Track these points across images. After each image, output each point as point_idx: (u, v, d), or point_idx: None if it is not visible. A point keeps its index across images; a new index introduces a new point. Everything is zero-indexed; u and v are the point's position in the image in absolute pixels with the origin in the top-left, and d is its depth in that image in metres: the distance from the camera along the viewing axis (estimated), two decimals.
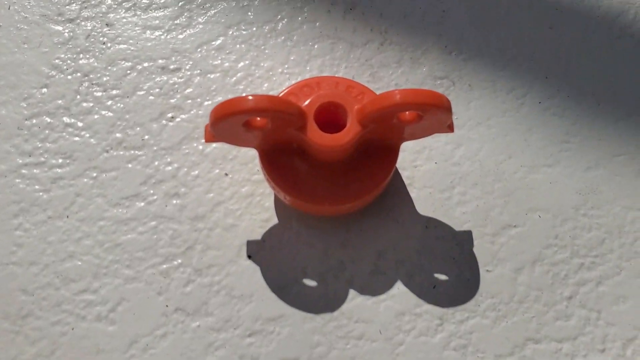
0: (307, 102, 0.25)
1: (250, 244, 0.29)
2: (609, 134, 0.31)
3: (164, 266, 0.28)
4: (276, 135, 0.25)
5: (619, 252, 0.29)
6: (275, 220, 0.29)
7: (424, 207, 0.29)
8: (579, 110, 0.31)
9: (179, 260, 0.28)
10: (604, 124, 0.31)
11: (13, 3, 0.33)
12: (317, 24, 0.33)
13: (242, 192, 0.30)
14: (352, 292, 0.28)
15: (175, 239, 0.29)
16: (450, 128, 0.26)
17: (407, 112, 0.24)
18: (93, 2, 0.33)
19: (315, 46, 0.32)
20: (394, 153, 0.27)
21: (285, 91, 0.27)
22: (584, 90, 0.32)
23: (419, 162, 0.30)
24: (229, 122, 0.23)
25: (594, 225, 0.29)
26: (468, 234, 0.29)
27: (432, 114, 0.24)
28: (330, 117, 0.26)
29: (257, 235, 0.29)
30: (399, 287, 0.28)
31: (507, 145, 0.31)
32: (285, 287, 0.28)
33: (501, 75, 0.32)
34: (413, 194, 0.30)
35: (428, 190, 0.30)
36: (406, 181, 0.30)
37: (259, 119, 0.24)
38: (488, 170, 0.30)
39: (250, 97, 0.23)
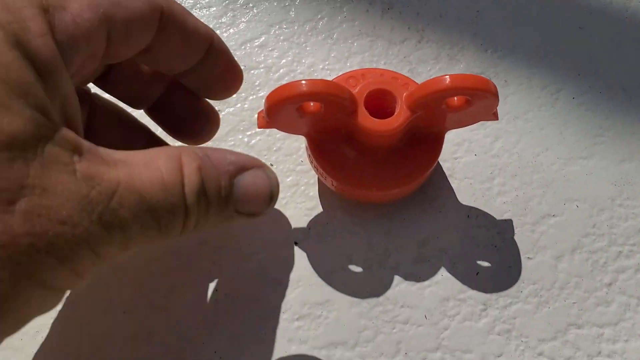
0: (355, 91, 0.26)
1: (296, 231, 0.29)
2: None
3: (214, 254, 0.29)
4: (326, 121, 0.26)
5: None
6: (319, 209, 0.30)
7: (465, 197, 0.30)
8: (611, 105, 0.32)
9: (227, 247, 0.29)
10: (636, 119, 0.32)
11: None
12: (356, 22, 0.34)
13: (287, 182, 0.30)
14: (396, 279, 0.29)
15: (222, 227, 0.29)
16: (495, 116, 0.26)
17: (455, 98, 0.25)
18: None
19: (355, 44, 0.33)
20: (439, 141, 0.28)
21: None
22: (615, 87, 0.33)
23: (459, 154, 0.31)
24: (284, 107, 0.24)
25: (630, 215, 0.30)
26: (508, 223, 0.30)
27: (480, 99, 0.24)
28: (379, 104, 0.26)
29: (303, 223, 0.30)
30: (443, 274, 0.29)
31: (543, 138, 0.32)
32: (332, 274, 0.29)
33: (535, 72, 0.33)
34: (454, 184, 0.30)
35: (469, 181, 0.30)
36: (447, 172, 0.31)
37: (312, 104, 0.25)
38: (526, 162, 0.31)
39: (304, 82, 0.24)
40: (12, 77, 0.16)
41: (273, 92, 0.24)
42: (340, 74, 0.29)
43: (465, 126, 0.28)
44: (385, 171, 0.28)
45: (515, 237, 0.30)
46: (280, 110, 0.24)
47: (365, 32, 0.34)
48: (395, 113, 0.26)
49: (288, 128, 0.27)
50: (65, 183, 0.16)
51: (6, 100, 0.15)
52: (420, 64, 0.33)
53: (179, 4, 0.22)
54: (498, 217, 0.30)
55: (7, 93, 0.15)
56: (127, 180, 0.17)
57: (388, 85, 0.26)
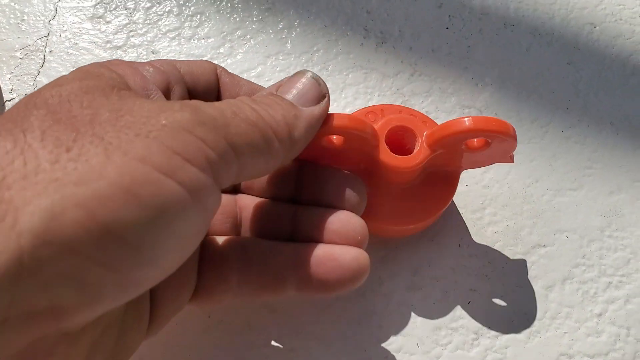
0: (377, 126, 0.26)
1: None
2: (628, 161, 0.33)
3: None
4: (346, 155, 0.26)
5: None
6: None
7: (456, 226, 0.31)
8: (599, 138, 0.33)
9: None
10: (624, 152, 0.33)
11: (64, 30, 0.35)
12: (351, 55, 0.35)
13: None
14: (389, 306, 0.29)
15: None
16: (511, 158, 0.26)
17: (475, 140, 0.25)
18: (140, 32, 0.35)
19: (350, 75, 0.34)
20: (454, 180, 0.28)
21: None
22: (603, 120, 0.34)
23: None
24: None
25: (619, 246, 0.31)
26: (499, 253, 0.30)
27: (499, 141, 0.25)
28: (399, 141, 0.27)
29: None
30: (435, 303, 0.29)
31: (533, 170, 0.32)
32: (325, 301, 0.29)
33: (525, 105, 0.34)
34: (446, 213, 0.31)
35: (460, 211, 0.31)
36: None
37: (335, 137, 0.25)
38: (517, 192, 0.32)
39: (331, 115, 0.24)
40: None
41: None
42: (334, 105, 0.29)
43: (481, 167, 0.28)
44: (401, 207, 0.28)
45: (506, 267, 0.30)
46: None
47: (359, 64, 0.35)
48: (415, 151, 0.26)
49: (309, 156, 0.26)
50: (142, 100, 0.19)
51: (85, 76, 0.20)
52: (413, 96, 0.34)
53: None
54: (489, 246, 0.30)
55: (87, 75, 0.20)
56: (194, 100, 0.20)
57: (409, 123, 0.27)
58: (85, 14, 0.35)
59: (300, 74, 0.24)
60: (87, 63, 0.33)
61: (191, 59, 0.26)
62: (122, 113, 0.17)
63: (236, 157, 0.19)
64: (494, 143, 0.25)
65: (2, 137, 0.16)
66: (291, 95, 0.23)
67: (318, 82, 0.23)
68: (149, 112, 0.18)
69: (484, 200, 0.31)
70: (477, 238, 0.30)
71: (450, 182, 0.28)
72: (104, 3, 0.35)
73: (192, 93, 0.24)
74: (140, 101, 0.18)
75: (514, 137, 0.24)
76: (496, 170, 0.32)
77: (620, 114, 0.34)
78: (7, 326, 0.15)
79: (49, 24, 0.35)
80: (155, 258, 0.17)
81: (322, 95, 0.23)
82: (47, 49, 0.34)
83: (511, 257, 0.30)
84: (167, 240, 0.17)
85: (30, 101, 0.18)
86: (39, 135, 0.16)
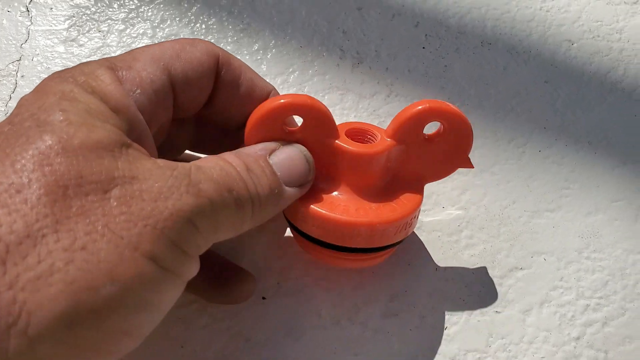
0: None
1: (265, 286, 0.29)
2: (606, 180, 0.32)
3: (180, 311, 0.29)
4: (308, 146, 0.26)
5: (622, 294, 0.30)
6: (289, 264, 0.30)
7: (433, 250, 0.30)
8: (576, 158, 0.33)
9: (195, 303, 0.29)
10: (601, 171, 0.33)
11: (36, 54, 0.34)
12: (327, 76, 0.35)
13: (254, 234, 0.30)
14: (366, 334, 0.29)
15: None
16: (470, 162, 0.27)
17: (432, 131, 0.26)
18: (113, 55, 0.34)
19: (326, 97, 0.34)
20: (419, 191, 0.28)
21: None
22: (580, 140, 0.33)
23: (427, 207, 0.31)
24: (269, 122, 0.24)
25: (597, 268, 0.30)
26: (477, 276, 0.30)
27: (454, 124, 0.26)
28: (359, 141, 0.27)
29: (272, 277, 0.29)
30: (412, 329, 0.29)
31: (510, 191, 0.32)
32: (301, 329, 0.28)
33: (501, 125, 0.34)
34: (422, 237, 0.31)
35: (437, 234, 0.31)
36: (416, 226, 0.31)
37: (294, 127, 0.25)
38: (493, 215, 0.31)
39: (286, 95, 0.25)
40: (93, 108, 0.20)
41: (257, 107, 0.25)
42: None
43: (444, 177, 0.28)
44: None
45: (483, 291, 0.30)
46: (265, 126, 0.24)
47: (336, 85, 0.34)
48: (377, 141, 0.26)
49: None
50: (150, 169, 0.19)
51: (91, 121, 0.19)
52: (389, 117, 0.33)
53: (239, 59, 0.26)
54: (466, 270, 0.30)
55: (92, 118, 0.19)
56: (196, 166, 0.21)
57: (367, 126, 0.27)
58: (58, 37, 0.35)
59: (294, 148, 0.25)
60: None
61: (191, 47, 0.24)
62: (134, 195, 0.18)
63: (215, 234, 0.21)
64: (450, 132, 0.26)
65: (9, 216, 0.16)
66: (281, 169, 0.24)
67: (309, 166, 0.25)
68: (158, 193, 0.19)
69: (461, 222, 0.31)
70: (453, 262, 0.30)
71: (415, 194, 0.27)
72: (77, 26, 0.35)
73: (181, 97, 0.24)
74: (149, 172, 0.19)
75: (465, 120, 0.26)
76: (473, 192, 0.32)
77: (598, 133, 0.34)
78: None
79: (21, 47, 0.34)
80: (139, 336, 0.19)
81: (307, 180, 0.25)
82: (19, 74, 0.34)
83: (488, 281, 0.30)
84: (154, 319, 0.20)
85: (33, 148, 0.18)
86: (53, 224, 0.17)
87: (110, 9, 0.36)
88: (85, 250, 0.17)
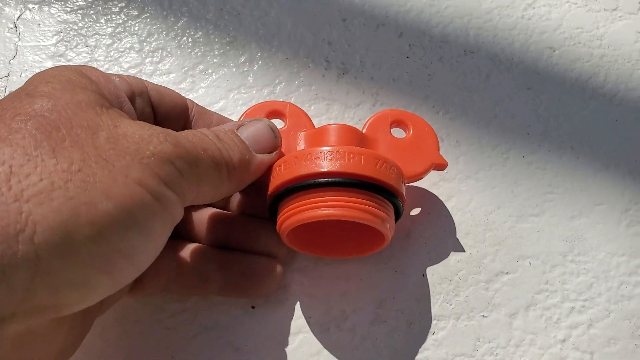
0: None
1: None
2: (589, 184, 0.33)
3: (170, 320, 0.29)
4: (289, 143, 0.29)
5: (606, 296, 0.30)
6: None
7: (420, 256, 0.31)
8: (560, 163, 0.33)
9: (184, 312, 0.29)
10: (584, 176, 0.33)
11: (25, 70, 0.34)
12: (313, 87, 0.35)
13: None
14: (354, 341, 0.29)
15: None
16: (442, 158, 0.29)
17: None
18: (101, 69, 0.35)
19: (312, 107, 0.34)
20: None
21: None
22: (563, 145, 0.34)
23: (413, 213, 0.32)
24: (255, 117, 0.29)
25: (582, 271, 0.31)
26: (463, 281, 0.30)
27: (414, 124, 0.30)
28: None
29: None
30: (400, 335, 0.29)
31: (495, 197, 0.32)
32: (290, 337, 0.29)
33: (485, 132, 0.34)
34: (409, 243, 0.31)
35: (423, 241, 0.31)
36: (402, 232, 0.31)
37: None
38: (479, 220, 0.32)
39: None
40: (74, 80, 0.23)
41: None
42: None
43: (421, 174, 0.29)
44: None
45: (470, 295, 0.30)
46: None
47: (321, 96, 0.35)
48: None
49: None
50: (131, 123, 0.22)
51: (72, 88, 0.22)
52: None
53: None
54: (452, 275, 0.30)
55: (73, 86, 0.22)
56: (171, 131, 0.23)
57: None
58: (46, 53, 0.35)
59: (260, 121, 0.27)
60: None
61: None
62: (118, 136, 0.21)
63: (197, 186, 0.23)
64: (414, 132, 0.30)
65: (11, 147, 0.18)
66: (249, 139, 0.26)
67: (274, 134, 0.27)
68: (140, 138, 0.21)
69: (447, 228, 0.31)
70: (440, 267, 0.31)
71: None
72: (65, 41, 0.35)
73: (157, 108, 0.27)
74: (130, 125, 0.22)
75: (420, 118, 0.30)
76: (458, 198, 0.32)
77: (581, 138, 0.34)
78: (15, 318, 0.17)
79: (9, 63, 0.35)
80: (138, 262, 0.21)
81: (275, 146, 0.27)
82: (7, 90, 0.34)
83: (475, 286, 0.30)
84: (149, 248, 0.21)
85: (26, 109, 0.20)
86: (50, 151, 0.19)
87: (98, 24, 0.36)
88: (81, 172, 0.19)
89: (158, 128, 0.22)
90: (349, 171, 0.25)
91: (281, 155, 0.27)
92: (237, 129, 0.26)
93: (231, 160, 0.24)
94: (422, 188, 0.32)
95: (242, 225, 0.29)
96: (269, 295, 0.29)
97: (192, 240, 0.29)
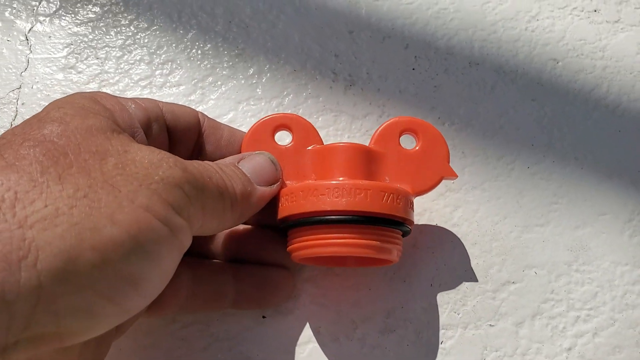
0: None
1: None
2: (593, 195, 0.34)
3: (182, 331, 0.29)
4: (297, 159, 0.29)
5: (611, 305, 0.31)
6: None
7: (427, 266, 0.31)
8: (564, 174, 0.34)
9: (196, 324, 0.29)
10: (588, 186, 0.34)
11: (36, 82, 0.35)
12: (320, 98, 0.36)
13: None
14: (363, 351, 0.29)
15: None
16: (452, 172, 0.29)
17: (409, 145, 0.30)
18: (111, 81, 0.35)
19: (320, 118, 0.35)
20: None
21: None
22: (567, 156, 0.34)
23: (420, 224, 0.32)
24: (260, 136, 0.29)
25: (587, 280, 0.31)
26: (470, 291, 0.31)
27: (425, 133, 0.30)
28: None
29: None
30: (409, 344, 0.30)
31: (501, 207, 0.33)
32: (301, 347, 0.29)
33: (491, 143, 0.35)
34: (417, 254, 0.31)
35: (431, 251, 0.32)
36: (410, 242, 0.32)
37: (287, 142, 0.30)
38: (485, 230, 0.32)
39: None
40: (88, 106, 0.23)
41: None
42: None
43: (431, 188, 0.29)
44: None
45: (477, 305, 0.30)
46: (257, 142, 0.29)
47: (329, 107, 0.35)
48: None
49: None
50: (141, 148, 0.22)
51: (84, 113, 0.22)
52: None
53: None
54: (460, 285, 0.31)
55: (85, 112, 0.22)
56: (180, 158, 0.23)
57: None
58: (56, 65, 0.36)
59: (260, 154, 0.28)
60: None
61: (173, 102, 0.28)
62: (127, 162, 0.21)
63: (203, 214, 0.23)
64: (424, 142, 0.29)
65: (17, 173, 0.18)
66: (249, 171, 0.26)
67: (275, 166, 0.28)
68: (149, 164, 0.21)
69: (454, 238, 0.32)
70: (447, 277, 0.31)
71: None
72: (75, 53, 0.36)
73: (172, 131, 0.27)
74: (140, 149, 0.22)
75: (432, 127, 0.30)
76: (465, 208, 0.33)
77: (584, 149, 0.35)
78: (17, 346, 0.17)
79: (20, 75, 0.35)
80: (145, 290, 0.20)
81: (275, 179, 0.27)
82: (19, 102, 0.34)
83: (482, 295, 0.31)
84: (157, 275, 0.21)
85: (35, 134, 0.20)
86: (56, 177, 0.19)
87: (108, 36, 0.37)
88: (87, 198, 0.19)
89: (167, 153, 0.22)
90: (356, 209, 0.26)
91: (283, 185, 0.28)
92: (238, 163, 0.27)
93: (234, 191, 0.25)
94: (429, 198, 0.33)
95: (254, 237, 0.30)
96: (280, 304, 0.30)
97: (206, 255, 0.29)
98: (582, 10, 0.39)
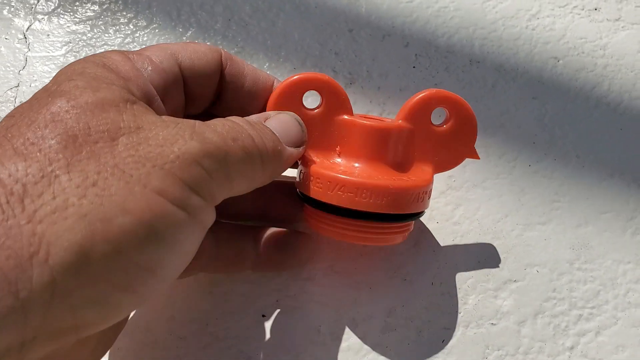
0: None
1: (264, 303, 0.30)
2: (594, 193, 0.33)
3: (181, 329, 0.29)
4: (325, 128, 0.28)
5: (614, 303, 0.31)
6: (287, 281, 0.30)
7: (429, 264, 0.31)
8: (565, 172, 0.34)
9: (195, 322, 0.29)
10: (590, 184, 0.34)
11: (34, 80, 0.35)
12: None
13: None
14: (364, 349, 0.29)
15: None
16: (476, 154, 0.29)
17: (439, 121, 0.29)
18: None
19: None
20: (429, 176, 0.29)
21: None
22: (568, 154, 0.34)
23: (422, 222, 0.32)
24: (287, 97, 0.27)
25: (589, 278, 0.31)
26: (472, 289, 0.31)
27: (458, 111, 0.28)
28: None
29: (271, 295, 0.30)
30: (410, 343, 0.29)
31: (502, 205, 0.33)
32: (301, 346, 0.29)
33: (492, 141, 0.35)
34: (418, 252, 0.31)
35: (432, 249, 0.31)
36: (411, 241, 0.31)
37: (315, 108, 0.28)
38: (487, 228, 0.32)
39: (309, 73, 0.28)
40: (100, 75, 0.22)
41: (276, 87, 0.28)
42: None
43: (452, 167, 0.29)
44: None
45: (479, 304, 0.30)
46: (284, 103, 0.27)
47: None
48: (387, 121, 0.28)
49: None
50: (155, 121, 0.21)
51: (96, 84, 0.21)
52: None
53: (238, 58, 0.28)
54: (461, 283, 0.31)
55: (97, 82, 0.21)
56: (200, 122, 0.22)
57: (377, 117, 0.30)
58: (55, 63, 0.35)
59: (287, 114, 0.26)
60: None
61: (194, 44, 0.27)
62: (140, 141, 0.20)
63: (229, 182, 0.22)
64: (455, 120, 0.28)
65: (25, 162, 0.18)
66: (277, 130, 0.25)
67: (301, 128, 0.26)
68: (163, 140, 0.20)
69: (455, 237, 0.32)
70: (449, 276, 0.31)
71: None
72: (74, 52, 0.36)
73: (191, 86, 0.26)
74: (154, 124, 0.21)
75: (467, 107, 0.28)
76: (466, 206, 0.32)
77: (586, 147, 0.35)
78: (35, 342, 0.17)
79: (19, 74, 0.35)
80: (163, 276, 0.20)
81: (301, 141, 0.26)
82: (17, 100, 0.34)
83: (483, 294, 0.30)
84: (174, 259, 0.20)
85: (44, 114, 0.20)
86: (65, 166, 0.18)
87: (106, 34, 0.36)
88: (96, 186, 0.18)
89: (184, 124, 0.21)
90: (381, 211, 0.26)
91: (306, 148, 0.27)
92: (264, 121, 0.25)
93: (265, 149, 0.23)
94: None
95: (275, 200, 0.30)
96: (301, 267, 0.30)
97: (228, 218, 0.29)
98: (583, 9, 0.39)
